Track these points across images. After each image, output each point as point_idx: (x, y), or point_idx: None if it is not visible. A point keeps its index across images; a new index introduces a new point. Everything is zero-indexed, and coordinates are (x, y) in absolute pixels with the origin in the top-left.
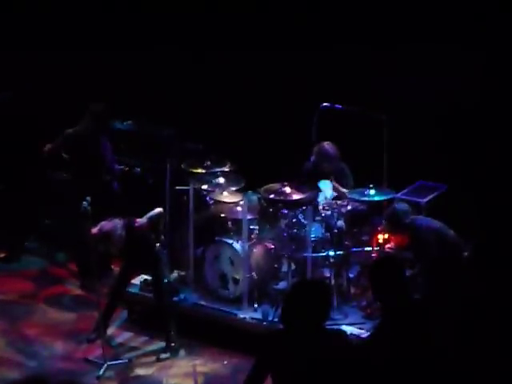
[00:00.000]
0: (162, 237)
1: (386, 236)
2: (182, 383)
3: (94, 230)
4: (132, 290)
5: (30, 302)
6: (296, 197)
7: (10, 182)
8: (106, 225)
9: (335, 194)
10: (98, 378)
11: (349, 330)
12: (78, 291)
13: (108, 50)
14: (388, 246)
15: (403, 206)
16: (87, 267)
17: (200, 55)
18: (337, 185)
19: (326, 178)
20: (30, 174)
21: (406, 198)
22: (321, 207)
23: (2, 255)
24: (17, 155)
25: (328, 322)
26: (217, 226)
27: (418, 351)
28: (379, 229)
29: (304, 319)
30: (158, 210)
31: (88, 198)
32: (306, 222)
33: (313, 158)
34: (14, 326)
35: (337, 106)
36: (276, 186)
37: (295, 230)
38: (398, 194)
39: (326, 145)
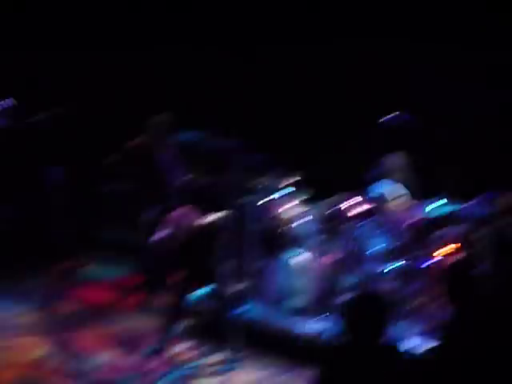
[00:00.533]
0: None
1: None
2: None
3: (159, 235)
4: (195, 300)
5: (99, 312)
6: (359, 210)
7: (73, 195)
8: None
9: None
10: None
11: (412, 342)
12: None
13: (170, 61)
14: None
15: None
16: (152, 278)
17: (265, 67)
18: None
19: None
20: (93, 186)
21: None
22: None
23: (69, 266)
24: (81, 168)
25: (390, 335)
26: (280, 238)
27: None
28: (444, 240)
29: (364, 332)
30: (220, 214)
31: (156, 209)
32: (368, 236)
33: (381, 169)
34: (82, 334)
35: (403, 118)
36: (339, 198)
37: (359, 242)
38: (465, 205)
39: (394, 155)
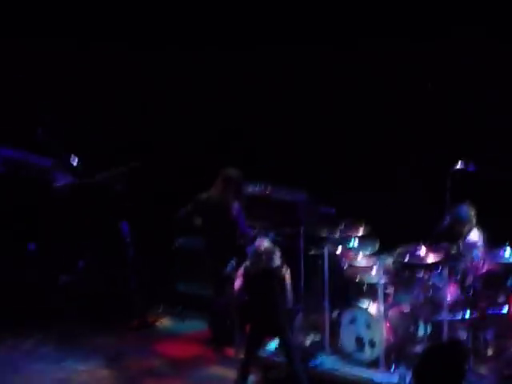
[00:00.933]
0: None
1: None
2: None
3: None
4: (266, 353)
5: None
6: (431, 259)
7: (144, 248)
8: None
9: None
10: None
11: None
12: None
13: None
14: None
15: None
16: (224, 333)
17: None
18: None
19: (458, 239)
20: (162, 239)
21: None
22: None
23: (136, 323)
24: (149, 221)
25: None
26: (352, 289)
27: None
28: None
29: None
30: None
31: (233, 262)
32: (441, 285)
33: (447, 220)
34: None
35: (469, 168)
36: (410, 248)
37: (431, 293)
38: None
39: (462, 207)
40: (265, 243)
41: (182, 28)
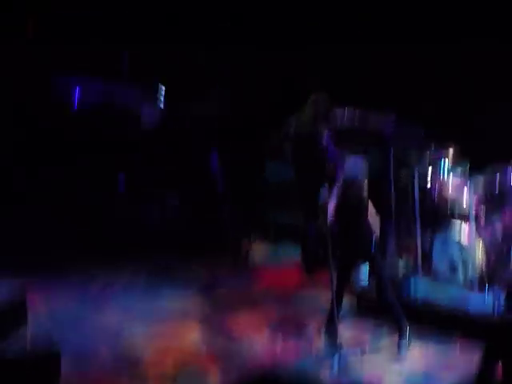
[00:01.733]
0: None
1: None
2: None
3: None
4: (359, 280)
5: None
6: None
7: (234, 177)
8: None
9: None
10: (334, 368)
11: None
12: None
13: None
14: None
15: None
16: (317, 259)
17: None
18: None
19: None
20: (253, 166)
21: None
22: None
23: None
24: (240, 148)
25: None
26: (443, 211)
27: None
28: None
29: None
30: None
31: (325, 189)
32: None
33: None
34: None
35: None
36: (501, 167)
37: None
38: None
39: None
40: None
41: None
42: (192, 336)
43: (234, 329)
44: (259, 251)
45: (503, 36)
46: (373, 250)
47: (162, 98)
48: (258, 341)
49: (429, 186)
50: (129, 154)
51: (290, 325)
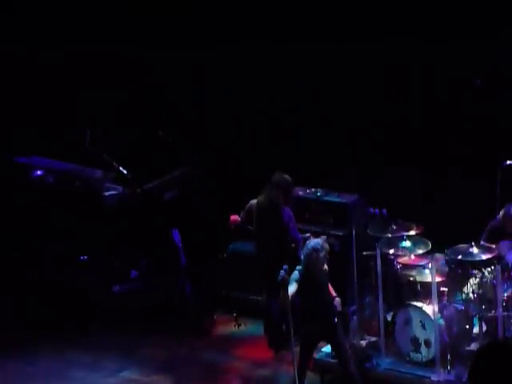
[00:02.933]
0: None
1: None
2: None
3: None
4: (322, 356)
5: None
6: (485, 256)
7: (196, 255)
8: None
9: None
10: None
11: None
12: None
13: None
14: None
15: None
16: (280, 337)
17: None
18: None
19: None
20: (214, 244)
21: None
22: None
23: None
24: (201, 226)
25: None
26: (406, 289)
27: None
28: None
29: (494, 382)
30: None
31: (285, 267)
32: (495, 282)
33: (499, 218)
34: None
35: None
36: (463, 246)
37: (485, 290)
38: None
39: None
40: (312, 243)
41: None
42: None
43: None
44: (222, 326)
45: None
46: (334, 325)
47: (124, 178)
48: None
49: (391, 263)
50: (91, 230)
51: None
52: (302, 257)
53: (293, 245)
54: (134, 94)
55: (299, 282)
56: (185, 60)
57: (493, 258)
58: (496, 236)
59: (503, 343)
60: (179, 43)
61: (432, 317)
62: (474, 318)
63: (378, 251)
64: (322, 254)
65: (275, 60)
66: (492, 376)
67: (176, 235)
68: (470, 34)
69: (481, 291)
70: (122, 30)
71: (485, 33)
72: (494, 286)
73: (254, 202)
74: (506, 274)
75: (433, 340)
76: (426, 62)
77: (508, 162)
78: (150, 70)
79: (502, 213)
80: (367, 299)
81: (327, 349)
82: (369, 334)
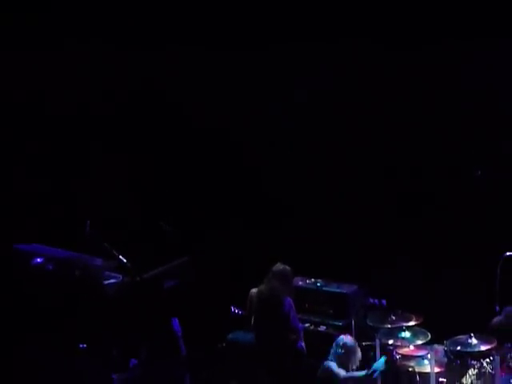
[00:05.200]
0: None
1: None
2: None
3: None
4: None
5: None
6: (483, 347)
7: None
8: None
9: None
10: None
11: None
12: None
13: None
14: None
15: None
16: None
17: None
18: None
19: None
20: (213, 334)
21: None
22: None
23: None
24: (200, 315)
25: None
26: (404, 380)
27: None
28: None
29: None
30: None
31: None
32: (493, 372)
33: (502, 317)
34: None
35: None
36: (462, 337)
37: (483, 381)
38: None
39: None
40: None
41: None
42: None
43: None
44: None
45: None
46: None
47: (124, 266)
48: None
49: (390, 354)
50: (90, 319)
51: None
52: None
53: (294, 336)
54: (135, 183)
55: None
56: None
57: (491, 348)
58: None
59: None
60: None
61: None
62: None
63: (378, 341)
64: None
65: None
66: None
67: (176, 324)
68: None
69: (479, 382)
70: None
71: None
72: (493, 377)
73: (253, 291)
74: (504, 364)
75: None
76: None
77: (508, 254)
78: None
79: (506, 312)
80: None
81: None
82: None
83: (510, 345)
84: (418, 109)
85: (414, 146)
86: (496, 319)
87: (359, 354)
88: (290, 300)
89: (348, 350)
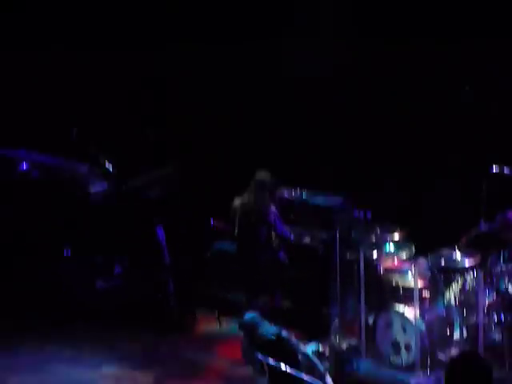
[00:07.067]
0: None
1: None
2: None
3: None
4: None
5: None
6: (467, 262)
7: (180, 253)
8: None
9: None
10: None
11: None
12: None
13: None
14: None
15: None
16: None
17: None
18: None
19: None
20: (198, 243)
21: None
22: None
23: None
24: (185, 225)
25: None
26: (388, 293)
27: None
28: None
29: None
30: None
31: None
32: (476, 287)
33: (496, 224)
34: None
35: (506, 171)
36: (446, 251)
37: (466, 296)
38: None
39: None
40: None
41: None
42: None
43: None
44: (204, 325)
45: None
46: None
47: (110, 174)
48: None
49: (374, 267)
50: (75, 226)
51: None
52: None
53: (280, 242)
54: (123, 90)
55: None
56: (176, 55)
57: (475, 264)
58: (482, 242)
59: (475, 355)
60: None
61: (413, 321)
62: (455, 324)
63: (362, 254)
64: None
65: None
66: (465, 382)
67: (160, 233)
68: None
69: (462, 297)
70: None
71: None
72: (476, 292)
73: (237, 201)
74: (487, 280)
75: (413, 344)
76: (412, 70)
77: (495, 168)
78: (141, 66)
79: (498, 219)
80: (349, 302)
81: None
82: (349, 337)
83: (493, 258)
84: None
85: (400, 70)
86: (487, 226)
87: None
88: (274, 208)
89: None
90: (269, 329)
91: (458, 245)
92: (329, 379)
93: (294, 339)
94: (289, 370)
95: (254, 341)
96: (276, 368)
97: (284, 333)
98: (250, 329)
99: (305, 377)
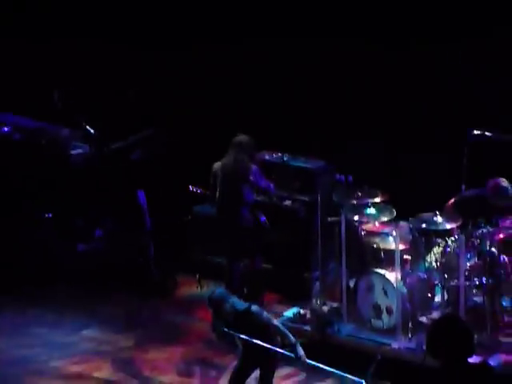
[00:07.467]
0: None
1: None
2: None
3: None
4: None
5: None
6: (449, 226)
7: (160, 216)
8: None
9: None
10: None
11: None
12: None
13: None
14: None
15: None
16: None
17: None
18: None
19: (499, 213)
20: (178, 206)
21: None
22: None
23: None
24: (165, 188)
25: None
26: (369, 256)
27: None
28: None
29: (448, 354)
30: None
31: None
32: (458, 251)
33: (483, 191)
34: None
35: (487, 134)
36: (427, 215)
37: (448, 259)
38: None
39: (503, 182)
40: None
41: None
42: (103, 374)
43: (149, 366)
44: (184, 288)
45: None
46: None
47: (92, 137)
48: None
49: (355, 230)
50: (56, 189)
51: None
52: None
53: (265, 197)
54: (106, 52)
55: None
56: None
57: (457, 227)
58: (470, 207)
59: (456, 319)
60: None
61: (394, 284)
62: (437, 287)
63: (343, 217)
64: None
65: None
66: (443, 349)
67: (141, 196)
68: None
69: (444, 260)
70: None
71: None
72: (457, 256)
73: (216, 165)
74: (469, 243)
75: (394, 307)
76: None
77: (475, 132)
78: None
79: (490, 186)
80: (330, 265)
81: (289, 313)
82: (331, 300)
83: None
84: None
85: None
86: (475, 191)
87: None
88: (255, 167)
89: None
90: (237, 304)
91: (442, 209)
92: (301, 351)
93: (264, 313)
94: (259, 343)
95: (220, 316)
96: (247, 341)
97: (254, 307)
98: (217, 304)
99: (276, 349)
